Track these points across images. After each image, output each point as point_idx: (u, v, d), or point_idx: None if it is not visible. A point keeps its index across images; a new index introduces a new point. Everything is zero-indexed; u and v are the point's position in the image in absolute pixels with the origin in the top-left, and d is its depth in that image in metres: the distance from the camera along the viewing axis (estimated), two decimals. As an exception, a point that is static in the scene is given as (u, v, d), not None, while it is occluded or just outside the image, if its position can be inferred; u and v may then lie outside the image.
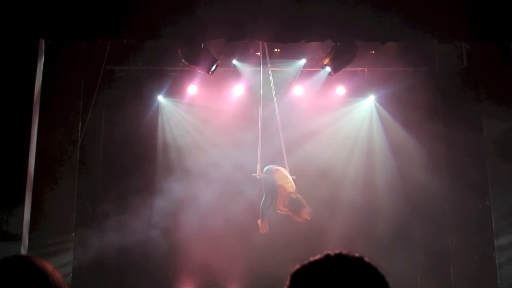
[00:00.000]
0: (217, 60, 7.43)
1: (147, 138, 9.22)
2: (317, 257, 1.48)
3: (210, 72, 7.43)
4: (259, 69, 8.04)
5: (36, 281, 1.69)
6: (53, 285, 1.70)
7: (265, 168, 7.42)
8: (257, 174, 7.30)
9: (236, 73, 9.12)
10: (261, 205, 7.31)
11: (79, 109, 7.94)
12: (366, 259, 1.47)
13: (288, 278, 1.48)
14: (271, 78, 7.84)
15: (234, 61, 9.04)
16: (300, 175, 9.06)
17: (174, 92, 9.33)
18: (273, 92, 7.84)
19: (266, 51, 7.80)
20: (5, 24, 5.66)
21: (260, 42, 7.60)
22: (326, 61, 7.39)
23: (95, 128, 8.64)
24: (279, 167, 7.43)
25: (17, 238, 5.53)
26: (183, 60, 7.29)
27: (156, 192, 8.77)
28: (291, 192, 7.11)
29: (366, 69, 9.28)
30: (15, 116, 5.70)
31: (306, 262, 1.49)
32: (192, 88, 9.22)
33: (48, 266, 1.75)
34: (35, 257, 1.77)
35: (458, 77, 8.19)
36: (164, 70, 9.26)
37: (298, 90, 9.35)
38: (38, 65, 5.86)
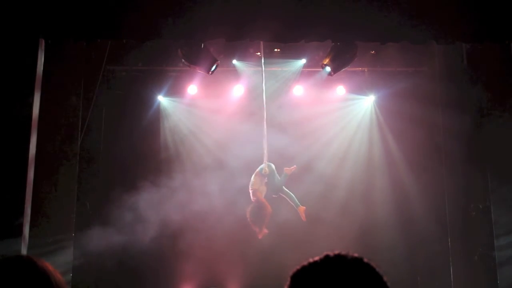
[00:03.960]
0: (217, 60, 7.44)
1: (147, 138, 9.23)
2: (317, 258, 1.48)
3: (210, 72, 7.43)
4: (258, 69, 8.05)
5: (38, 282, 1.69)
6: (54, 286, 1.71)
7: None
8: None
9: (236, 73, 9.13)
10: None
11: (79, 109, 7.94)
12: (365, 259, 1.48)
13: (288, 279, 1.49)
14: (263, 76, 7.85)
15: (234, 61, 9.05)
16: (299, 175, 9.10)
17: (174, 92, 9.33)
18: (263, 92, 7.85)
19: (262, 50, 7.83)
20: (5, 24, 5.66)
21: (261, 42, 7.61)
22: (326, 61, 7.39)
23: (95, 128, 8.64)
24: (258, 170, 7.42)
25: (18, 237, 5.53)
26: (183, 60, 7.29)
27: (156, 192, 8.76)
28: (260, 199, 7.15)
29: (366, 69, 9.29)
30: (15, 116, 5.70)
31: (306, 263, 1.49)
32: (192, 88, 9.23)
33: (49, 266, 1.75)
34: (36, 257, 1.77)
35: (458, 77, 8.19)
36: (164, 70, 9.26)
37: (298, 90, 9.36)
38: (38, 65, 5.86)
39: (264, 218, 7.11)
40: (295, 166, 7.58)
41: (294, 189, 8.89)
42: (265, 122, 7.69)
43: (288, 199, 7.40)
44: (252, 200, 7.29)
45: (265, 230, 7.14)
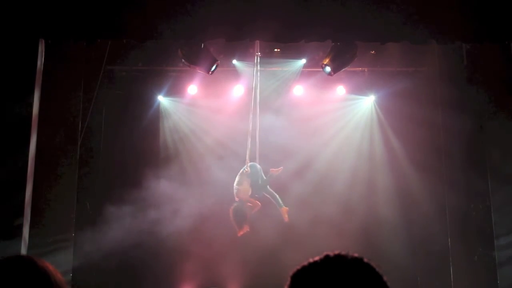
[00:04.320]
0: (217, 60, 7.44)
1: (147, 138, 9.23)
2: (317, 258, 1.48)
3: (210, 72, 7.43)
4: (257, 68, 8.06)
5: (39, 281, 1.69)
6: (54, 286, 1.71)
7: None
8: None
9: (236, 73, 9.13)
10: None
11: (79, 109, 7.94)
12: (365, 259, 1.48)
13: (288, 279, 1.49)
14: (255, 68, 7.82)
15: (234, 61, 9.05)
16: (300, 174, 9.12)
17: (174, 92, 9.34)
18: (258, 90, 7.87)
19: (258, 49, 7.85)
20: (5, 24, 5.66)
21: (257, 42, 7.62)
22: (326, 61, 7.38)
23: (95, 128, 8.64)
24: (242, 170, 7.43)
25: (18, 237, 5.54)
26: (183, 60, 7.29)
27: (156, 192, 8.76)
28: (243, 199, 7.17)
29: (366, 69, 9.28)
30: (15, 116, 5.70)
31: (305, 263, 1.49)
32: (192, 88, 9.24)
33: (50, 266, 1.75)
34: (37, 257, 1.77)
35: (458, 77, 8.18)
36: (164, 70, 9.26)
37: (298, 90, 9.36)
38: (38, 65, 5.87)
39: (245, 217, 7.14)
40: (281, 167, 7.61)
41: (295, 188, 8.92)
42: (250, 123, 7.71)
43: (271, 198, 7.44)
44: (235, 199, 7.31)
45: (247, 228, 7.17)
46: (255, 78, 7.88)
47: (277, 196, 7.44)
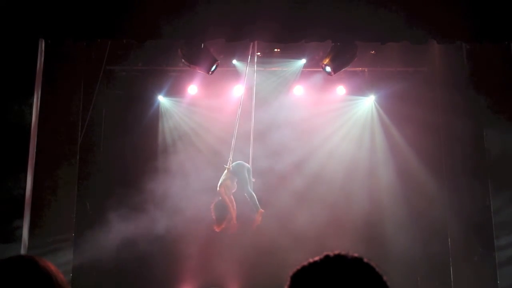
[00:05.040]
0: (217, 60, 7.44)
1: (147, 138, 9.23)
2: (317, 258, 1.49)
3: (210, 72, 7.43)
4: (259, 69, 8.08)
5: (40, 281, 1.69)
6: (56, 286, 1.70)
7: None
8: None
9: (236, 73, 9.13)
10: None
11: (79, 109, 7.94)
12: (365, 259, 1.48)
13: (288, 279, 1.49)
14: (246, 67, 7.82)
15: (234, 61, 9.05)
16: (299, 175, 9.12)
17: (174, 92, 9.34)
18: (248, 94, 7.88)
19: (256, 50, 7.87)
20: (5, 24, 5.66)
21: (252, 43, 7.63)
22: (326, 61, 7.38)
23: (95, 128, 8.64)
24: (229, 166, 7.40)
25: (18, 237, 5.54)
26: (183, 60, 7.29)
27: (156, 192, 8.76)
28: (222, 196, 7.13)
29: (366, 69, 9.28)
30: (15, 116, 5.70)
31: (305, 263, 1.49)
32: (192, 88, 9.24)
33: (51, 266, 1.75)
34: (38, 257, 1.77)
35: (458, 77, 8.19)
36: (164, 70, 9.26)
37: (298, 90, 9.37)
38: (38, 65, 5.87)
39: (226, 214, 7.13)
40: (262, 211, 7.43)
41: (294, 187, 8.92)
42: (237, 119, 7.72)
43: (249, 200, 7.41)
44: (218, 192, 7.30)
45: (223, 225, 7.18)
46: (246, 77, 7.91)
47: (255, 199, 7.43)
